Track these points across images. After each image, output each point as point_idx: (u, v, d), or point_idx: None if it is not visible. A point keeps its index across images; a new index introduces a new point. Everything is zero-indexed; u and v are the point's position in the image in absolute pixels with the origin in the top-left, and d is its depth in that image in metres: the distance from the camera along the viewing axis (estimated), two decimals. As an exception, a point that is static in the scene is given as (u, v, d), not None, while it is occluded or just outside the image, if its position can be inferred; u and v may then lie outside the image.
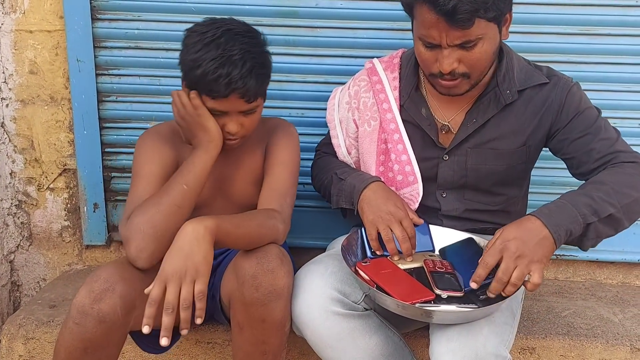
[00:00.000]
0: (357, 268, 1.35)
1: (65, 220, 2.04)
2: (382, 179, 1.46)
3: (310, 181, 1.95)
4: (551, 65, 1.78)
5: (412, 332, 1.61)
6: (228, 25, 1.37)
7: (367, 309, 1.36)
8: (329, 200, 1.54)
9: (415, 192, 1.45)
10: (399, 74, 1.49)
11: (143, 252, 1.29)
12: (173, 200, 1.33)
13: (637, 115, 1.89)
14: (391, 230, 1.34)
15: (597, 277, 2.07)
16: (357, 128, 1.52)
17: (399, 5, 1.79)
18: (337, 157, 1.60)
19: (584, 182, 1.37)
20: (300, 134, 1.91)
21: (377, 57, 1.58)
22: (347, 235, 1.47)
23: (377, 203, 1.37)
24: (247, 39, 1.37)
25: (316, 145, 1.91)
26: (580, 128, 1.39)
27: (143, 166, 1.43)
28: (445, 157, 1.44)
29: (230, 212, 1.37)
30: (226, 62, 1.31)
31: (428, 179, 1.45)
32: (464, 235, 1.44)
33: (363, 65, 1.63)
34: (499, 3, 1.22)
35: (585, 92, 1.81)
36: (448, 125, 1.43)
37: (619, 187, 1.26)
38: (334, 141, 1.58)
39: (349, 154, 1.56)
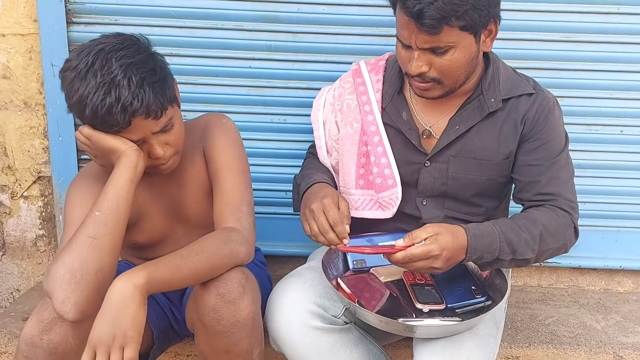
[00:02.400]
0: (338, 281, 1.32)
1: (39, 229, 1.98)
2: (326, 181, 1.44)
3: (291, 188, 1.94)
4: (533, 72, 1.79)
5: (396, 343, 1.59)
6: (97, 47, 1.19)
7: (347, 322, 1.34)
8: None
9: (394, 196, 1.43)
10: (383, 76, 1.48)
11: (66, 304, 1.14)
12: (85, 232, 1.17)
13: (619, 122, 1.89)
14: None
15: (579, 284, 2.08)
16: (339, 130, 1.50)
17: (380, 10, 1.82)
18: (317, 158, 1.58)
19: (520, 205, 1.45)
20: (282, 141, 1.92)
21: (364, 60, 1.56)
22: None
23: (307, 201, 1.33)
24: (123, 51, 1.19)
25: (297, 152, 1.91)
26: (540, 156, 1.39)
27: (72, 212, 1.28)
28: (427, 164, 1.42)
29: (194, 237, 1.25)
30: (110, 86, 1.15)
31: (408, 185, 1.43)
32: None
33: (344, 71, 1.61)
34: (472, 13, 1.20)
35: (567, 98, 1.86)
36: (429, 130, 1.41)
37: (546, 234, 1.31)
38: (316, 142, 1.56)
39: (330, 155, 1.54)
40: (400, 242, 1.20)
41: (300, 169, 1.62)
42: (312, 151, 1.63)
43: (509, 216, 1.58)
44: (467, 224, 1.27)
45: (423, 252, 1.18)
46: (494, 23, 1.28)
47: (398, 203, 1.42)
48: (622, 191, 1.95)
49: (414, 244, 1.19)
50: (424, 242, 1.19)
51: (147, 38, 1.28)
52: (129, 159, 1.22)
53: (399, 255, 1.19)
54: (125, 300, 1.10)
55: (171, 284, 1.17)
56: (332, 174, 1.54)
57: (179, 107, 1.32)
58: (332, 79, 1.78)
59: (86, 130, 1.22)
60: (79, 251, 1.16)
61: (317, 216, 1.27)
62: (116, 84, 1.15)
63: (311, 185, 1.40)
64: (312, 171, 1.50)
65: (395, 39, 1.63)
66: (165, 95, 1.23)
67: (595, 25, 1.81)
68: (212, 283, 1.21)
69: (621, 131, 1.90)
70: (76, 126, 1.86)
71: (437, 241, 1.19)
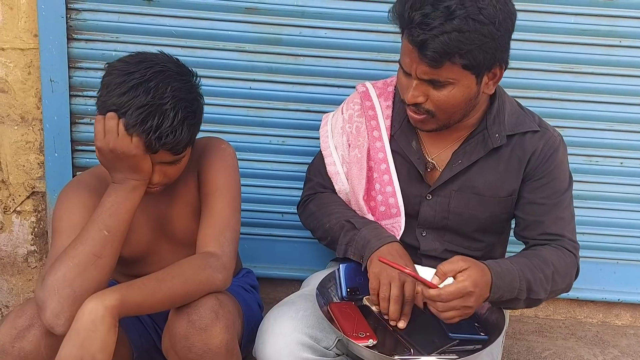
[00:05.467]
0: (329, 309, 1.29)
1: (31, 245, 1.95)
2: (399, 240, 1.37)
3: (288, 210, 1.94)
4: (535, 101, 1.81)
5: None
6: (159, 66, 1.20)
7: (338, 354, 1.31)
8: (330, 245, 1.45)
9: (397, 225, 1.41)
10: (392, 102, 1.45)
11: (60, 317, 1.12)
12: (91, 250, 1.16)
13: (619, 154, 1.89)
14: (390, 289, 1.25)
15: (577, 316, 2.05)
16: (349, 153, 1.47)
17: (381, 36, 1.82)
18: (336, 193, 1.50)
19: (523, 242, 1.44)
20: (280, 162, 1.91)
21: (370, 81, 1.53)
22: (324, 271, 1.42)
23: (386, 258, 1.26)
24: (180, 83, 1.21)
25: (295, 173, 1.90)
26: (544, 195, 1.38)
27: (62, 220, 1.26)
28: (429, 197, 1.40)
29: (180, 256, 1.25)
30: (156, 111, 1.16)
31: (409, 216, 1.41)
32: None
33: (345, 95, 1.60)
34: (477, 54, 1.18)
35: (568, 129, 1.85)
36: (433, 163, 1.40)
37: (557, 275, 1.32)
38: (330, 169, 1.49)
39: (348, 180, 1.48)
40: (434, 281, 1.18)
41: (317, 205, 1.51)
42: (323, 183, 1.53)
43: (506, 250, 1.56)
44: (485, 261, 1.24)
45: (458, 290, 1.15)
46: (500, 67, 1.26)
47: (401, 232, 1.40)
48: (621, 223, 1.93)
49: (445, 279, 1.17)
50: (453, 278, 1.17)
51: (199, 78, 1.30)
52: (144, 187, 1.24)
53: (433, 292, 1.16)
54: (95, 322, 1.08)
55: (144, 308, 1.16)
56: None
57: (192, 147, 1.34)
58: (332, 102, 1.78)
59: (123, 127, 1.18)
60: (83, 268, 1.15)
61: (396, 285, 1.25)
62: (163, 112, 1.17)
63: (389, 243, 1.33)
64: (365, 219, 1.41)
65: (397, 65, 1.62)
66: (193, 137, 1.27)
67: (597, 57, 1.81)
68: (183, 309, 1.19)
69: (621, 163, 1.90)
70: (73, 142, 1.85)
71: (469, 277, 1.16)
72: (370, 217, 1.43)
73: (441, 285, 1.18)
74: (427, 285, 1.17)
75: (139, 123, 1.15)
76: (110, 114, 1.18)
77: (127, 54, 1.29)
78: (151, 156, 1.22)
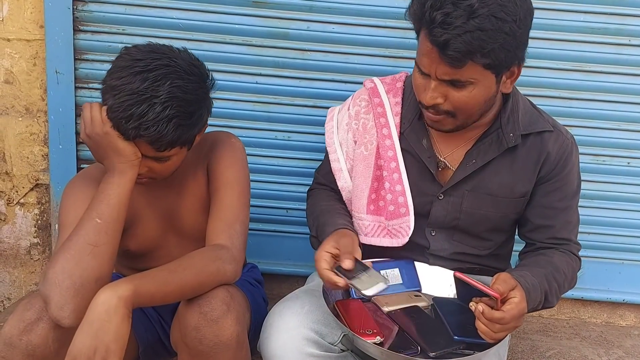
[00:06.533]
0: (336, 306, 1.28)
1: (34, 237, 1.95)
2: (349, 228, 1.34)
3: (293, 206, 1.93)
4: (543, 100, 1.80)
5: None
6: (168, 60, 1.18)
7: (343, 350, 1.30)
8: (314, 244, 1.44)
9: (405, 225, 1.39)
10: (402, 99, 1.43)
11: (64, 310, 1.12)
12: (85, 239, 1.15)
13: (626, 153, 1.88)
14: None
15: (581, 316, 2.05)
16: (355, 150, 1.45)
17: (390, 32, 1.81)
18: (330, 190, 1.49)
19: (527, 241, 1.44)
20: (285, 158, 1.91)
21: (378, 77, 1.51)
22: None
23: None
24: (183, 81, 1.18)
25: (300, 169, 1.90)
26: (556, 198, 1.37)
27: (68, 214, 1.25)
28: (440, 197, 1.38)
29: (187, 250, 1.24)
30: (145, 101, 1.14)
31: (419, 215, 1.39)
32: (450, 274, 1.37)
33: (352, 91, 1.58)
34: (499, 52, 1.15)
35: (576, 128, 1.84)
36: (445, 162, 1.38)
37: (566, 282, 1.34)
38: (334, 165, 1.47)
39: (351, 178, 1.47)
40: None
41: (310, 202, 1.52)
42: (322, 182, 1.53)
43: (512, 247, 1.55)
44: (514, 274, 1.22)
45: (519, 311, 1.14)
46: (518, 65, 1.24)
47: (410, 233, 1.38)
48: (627, 223, 1.93)
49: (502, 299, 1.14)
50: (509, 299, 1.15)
51: (215, 81, 1.28)
52: (133, 171, 1.21)
53: (498, 314, 1.13)
54: (109, 312, 1.07)
55: (156, 299, 1.15)
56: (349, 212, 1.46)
57: (188, 150, 1.30)
58: (339, 98, 1.77)
59: (105, 115, 1.18)
60: (79, 258, 1.14)
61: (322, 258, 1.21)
62: (150, 103, 1.15)
63: (334, 231, 1.31)
64: (331, 215, 1.40)
65: (406, 61, 1.61)
66: (182, 137, 1.22)
67: (606, 55, 1.80)
68: (195, 301, 1.19)
69: (628, 163, 1.89)
70: (77, 135, 1.84)
71: (523, 296, 1.16)
72: (369, 217, 1.41)
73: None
74: (490, 297, 1.14)
75: (123, 108, 1.14)
76: (95, 104, 1.19)
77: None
78: (138, 147, 1.21)
